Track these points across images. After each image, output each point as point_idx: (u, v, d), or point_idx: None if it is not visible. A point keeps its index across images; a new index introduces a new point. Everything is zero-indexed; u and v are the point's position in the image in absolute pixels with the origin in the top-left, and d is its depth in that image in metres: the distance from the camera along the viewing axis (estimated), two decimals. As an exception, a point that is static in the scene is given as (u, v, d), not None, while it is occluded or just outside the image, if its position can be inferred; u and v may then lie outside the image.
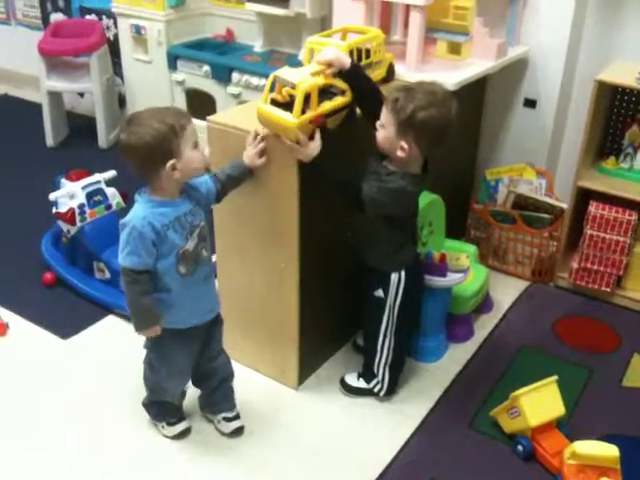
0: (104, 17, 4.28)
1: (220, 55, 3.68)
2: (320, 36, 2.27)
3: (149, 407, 2.21)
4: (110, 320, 2.71)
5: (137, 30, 3.84)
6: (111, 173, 2.86)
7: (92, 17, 4.36)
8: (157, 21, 3.75)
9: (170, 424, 2.18)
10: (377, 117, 1.97)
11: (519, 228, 2.92)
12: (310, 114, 1.92)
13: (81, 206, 2.73)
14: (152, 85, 3.94)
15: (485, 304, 2.78)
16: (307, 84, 1.87)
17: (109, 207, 2.83)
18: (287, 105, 1.94)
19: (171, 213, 1.86)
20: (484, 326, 2.72)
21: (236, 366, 2.44)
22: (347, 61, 1.98)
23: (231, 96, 3.58)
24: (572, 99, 3.03)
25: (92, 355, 2.54)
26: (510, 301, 2.87)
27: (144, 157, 1.77)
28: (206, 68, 3.64)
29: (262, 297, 2.31)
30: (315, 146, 1.94)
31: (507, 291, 2.92)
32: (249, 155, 2.04)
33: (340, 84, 2.02)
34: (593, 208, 2.73)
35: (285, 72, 1.95)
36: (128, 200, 2.84)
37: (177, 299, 1.93)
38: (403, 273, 2.14)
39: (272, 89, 1.98)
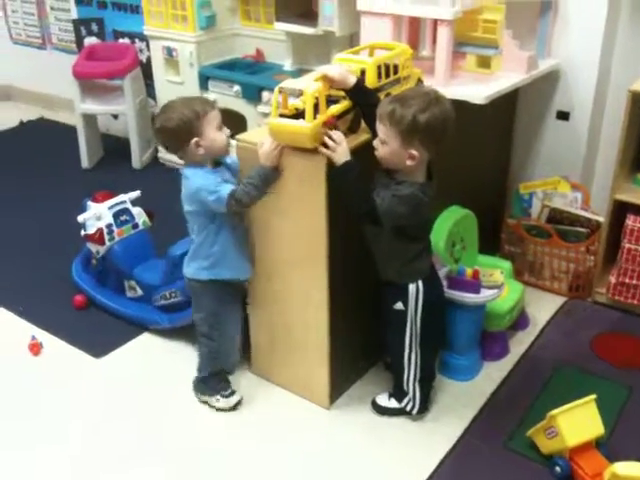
0: (137, 40, 4.35)
1: (250, 75, 3.72)
2: (348, 53, 2.27)
3: (204, 382, 2.36)
4: (143, 338, 2.72)
5: (169, 52, 3.90)
6: (136, 193, 2.90)
7: (125, 40, 4.44)
8: (188, 42, 3.81)
9: (225, 396, 2.34)
10: None
11: (555, 243, 2.86)
12: (322, 117, 1.95)
13: (109, 226, 2.76)
14: (184, 106, 3.99)
15: (521, 321, 2.73)
16: (314, 88, 1.92)
17: (136, 226, 2.86)
18: (295, 117, 1.98)
19: (219, 175, 2.15)
20: (520, 343, 2.66)
21: (268, 385, 2.45)
22: (351, 80, 2.00)
23: (262, 115, 3.60)
24: (606, 111, 2.98)
25: (124, 373, 2.55)
26: (547, 317, 2.80)
27: (172, 136, 2.13)
28: (237, 88, 3.68)
29: (292, 316, 2.30)
30: (346, 148, 1.95)
31: (543, 307, 2.86)
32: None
33: (338, 92, 2.05)
34: (630, 221, 2.67)
35: (290, 83, 2.01)
36: (154, 219, 2.90)
37: (229, 248, 2.20)
38: (420, 283, 2.11)
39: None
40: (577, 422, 2.04)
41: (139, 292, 2.80)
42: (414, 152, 1.91)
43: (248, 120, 3.73)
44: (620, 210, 2.75)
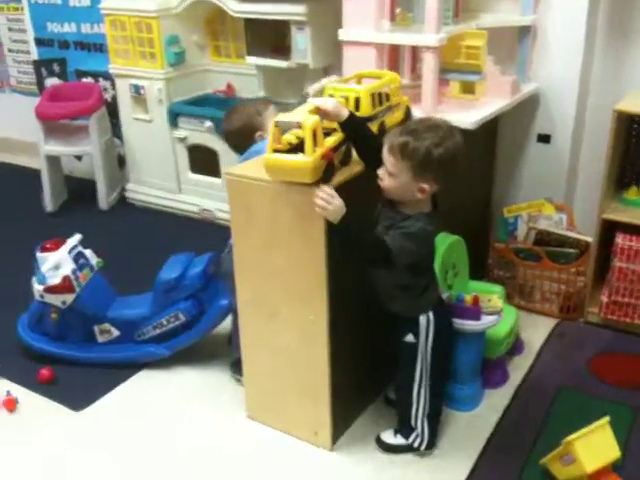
0: (101, 79, 4.26)
1: (222, 110, 3.63)
2: (338, 82, 2.23)
3: (237, 364, 2.48)
4: (124, 388, 2.59)
5: (136, 90, 3.81)
6: (78, 236, 2.73)
7: (88, 80, 4.34)
8: (157, 80, 3.74)
9: None
10: (378, 163, 1.91)
11: (545, 265, 2.85)
12: (320, 149, 1.88)
13: (74, 271, 2.61)
14: (153, 143, 3.91)
15: (516, 345, 2.69)
16: (312, 121, 1.86)
17: (92, 268, 2.73)
18: (290, 152, 1.90)
19: None
20: (518, 369, 2.61)
21: (268, 431, 2.35)
22: (345, 112, 1.94)
23: (235, 150, 3.53)
24: (585, 132, 3.01)
25: (104, 426, 2.41)
26: (541, 340, 2.77)
27: (238, 135, 2.47)
28: (209, 124, 3.61)
29: (291, 355, 2.21)
30: (341, 203, 1.84)
31: (536, 330, 2.83)
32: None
33: (328, 124, 1.99)
34: (620, 240, 2.67)
35: (284, 117, 1.93)
36: (103, 258, 2.78)
37: None
38: (431, 314, 2.07)
39: None
40: (594, 447, 2.00)
41: (115, 333, 2.67)
42: (425, 186, 1.86)
43: (221, 156, 3.66)
44: (607, 229, 2.75)
